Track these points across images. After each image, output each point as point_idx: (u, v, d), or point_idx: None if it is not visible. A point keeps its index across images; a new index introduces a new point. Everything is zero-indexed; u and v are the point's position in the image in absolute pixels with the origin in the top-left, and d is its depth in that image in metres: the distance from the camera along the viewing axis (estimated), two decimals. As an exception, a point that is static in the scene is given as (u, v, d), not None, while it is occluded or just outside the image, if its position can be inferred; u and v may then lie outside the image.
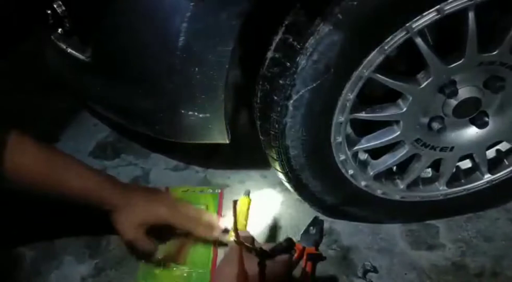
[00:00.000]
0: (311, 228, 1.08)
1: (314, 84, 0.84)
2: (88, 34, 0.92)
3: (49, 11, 0.94)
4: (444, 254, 1.10)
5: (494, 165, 1.08)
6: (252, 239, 0.88)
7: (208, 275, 1.06)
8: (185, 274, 1.06)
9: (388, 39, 0.81)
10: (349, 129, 0.95)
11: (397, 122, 0.95)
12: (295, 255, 1.05)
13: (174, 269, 1.06)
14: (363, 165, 1.02)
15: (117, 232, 0.99)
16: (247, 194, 1.10)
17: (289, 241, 0.93)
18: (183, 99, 0.89)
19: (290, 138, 0.92)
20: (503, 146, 1.09)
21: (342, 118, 0.90)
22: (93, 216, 1.17)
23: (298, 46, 0.81)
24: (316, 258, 1.05)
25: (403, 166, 1.05)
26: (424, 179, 1.08)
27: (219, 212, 1.17)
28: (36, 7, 0.95)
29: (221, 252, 1.08)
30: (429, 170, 1.09)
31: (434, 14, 0.79)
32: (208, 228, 1.03)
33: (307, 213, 1.16)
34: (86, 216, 1.19)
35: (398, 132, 0.95)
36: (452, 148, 1.01)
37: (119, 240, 1.08)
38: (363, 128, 0.98)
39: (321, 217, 1.15)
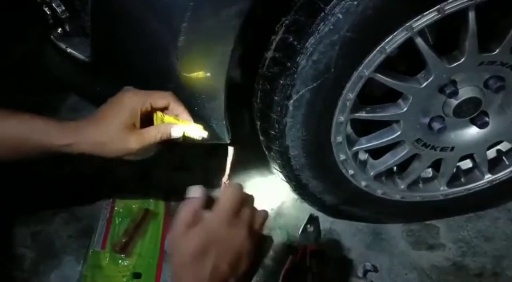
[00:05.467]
0: (308, 225, 1.08)
1: (315, 84, 0.84)
2: (88, 34, 0.92)
3: (49, 11, 0.94)
4: (444, 254, 1.10)
5: (494, 164, 1.08)
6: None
7: (155, 266, 1.06)
8: (131, 266, 1.05)
9: (389, 39, 0.80)
10: (349, 129, 0.95)
11: (397, 122, 0.94)
12: (298, 255, 1.05)
13: (120, 261, 1.06)
14: (364, 165, 1.02)
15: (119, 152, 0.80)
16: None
17: None
18: (183, 99, 0.89)
19: (290, 138, 0.92)
20: (504, 146, 1.09)
21: (342, 118, 0.89)
22: (93, 215, 1.18)
23: (298, 46, 0.81)
24: (320, 254, 1.05)
25: (404, 166, 1.05)
26: (424, 179, 1.08)
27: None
28: (35, 7, 0.95)
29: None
30: (430, 170, 1.09)
31: (434, 14, 0.79)
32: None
33: (307, 213, 1.15)
34: (86, 216, 1.19)
35: (399, 132, 0.95)
36: (453, 148, 1.01)
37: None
38: (364, 128, 0.98)
39: (321, 217, 1.15)
